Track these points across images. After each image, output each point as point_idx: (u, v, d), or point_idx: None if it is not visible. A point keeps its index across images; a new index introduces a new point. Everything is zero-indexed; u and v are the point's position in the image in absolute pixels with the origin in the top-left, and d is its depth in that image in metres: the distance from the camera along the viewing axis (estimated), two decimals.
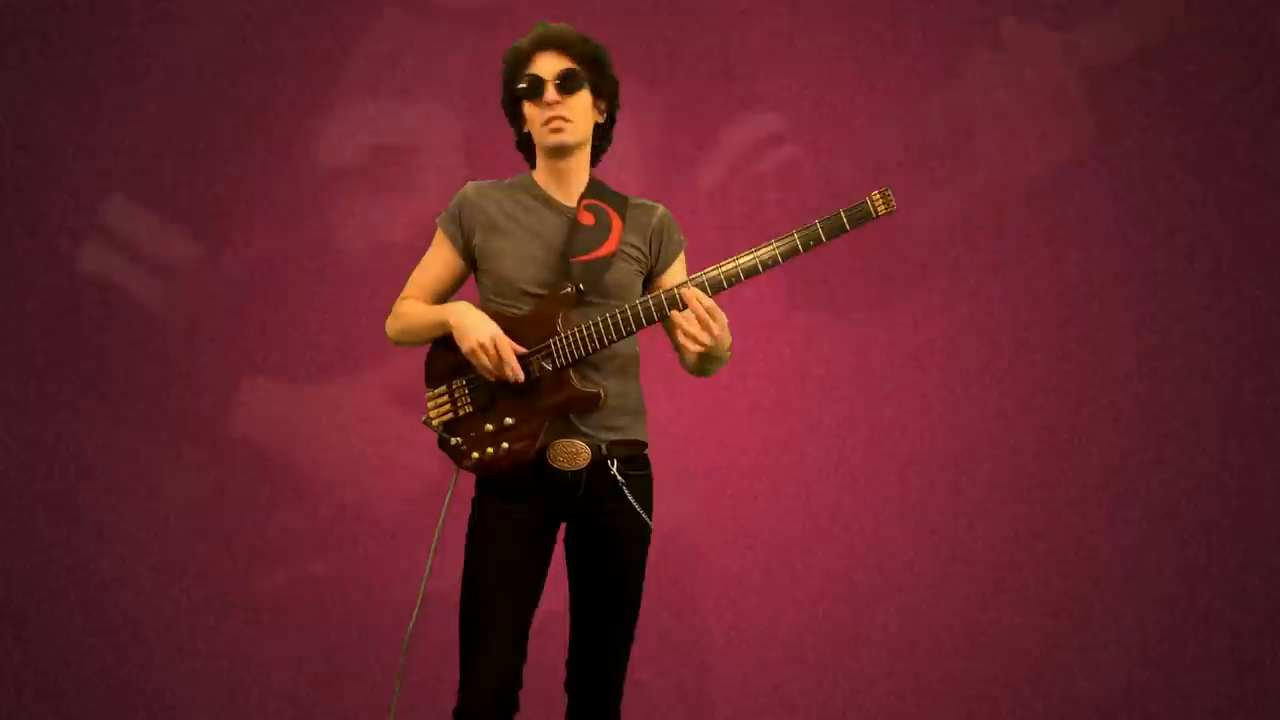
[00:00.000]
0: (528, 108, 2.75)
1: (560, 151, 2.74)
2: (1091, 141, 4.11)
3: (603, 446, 2.70)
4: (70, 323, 4.07)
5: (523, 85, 2.73)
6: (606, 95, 2.79)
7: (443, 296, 2.82)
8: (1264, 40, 4.07)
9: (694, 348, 2.60)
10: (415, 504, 4.03)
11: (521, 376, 2.65)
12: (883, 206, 2.57)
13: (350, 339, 4.09)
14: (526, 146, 2.83)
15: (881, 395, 4.15)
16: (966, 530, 4.14)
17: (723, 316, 2.58)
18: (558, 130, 2.72)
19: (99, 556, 4.07)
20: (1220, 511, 4.09)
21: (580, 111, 2.73)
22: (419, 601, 2.84)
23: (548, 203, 2.77)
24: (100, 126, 4.08)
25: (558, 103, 2.70)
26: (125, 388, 4.08)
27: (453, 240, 2.79)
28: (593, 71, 2.75)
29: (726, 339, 2.62)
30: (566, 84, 2.71)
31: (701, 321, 2.56)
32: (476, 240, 2.76)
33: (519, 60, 2.76)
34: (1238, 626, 4.08)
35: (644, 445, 2.78)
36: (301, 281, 4.12)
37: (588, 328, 2.64)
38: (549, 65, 2.72)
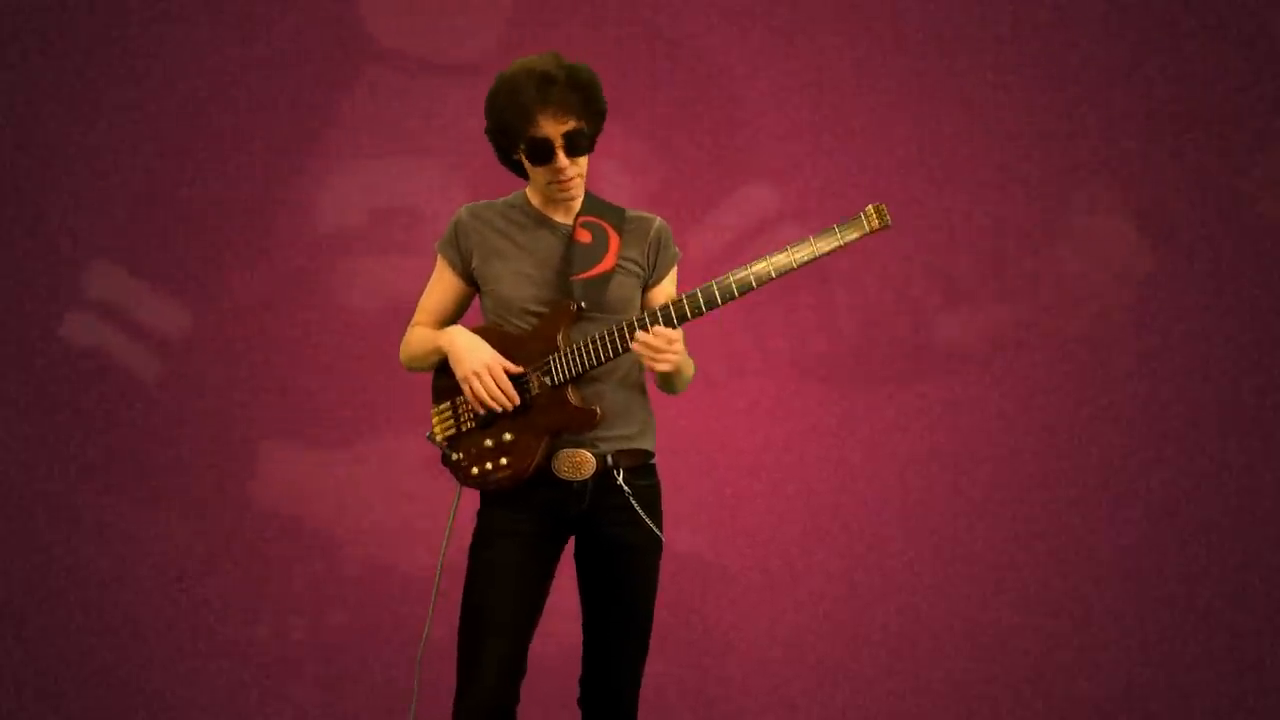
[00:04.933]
0: (531, 166, 2.68)
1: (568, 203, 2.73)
2: (1092, 142, 4.11)
3: (608, 456, 2.68)
4: (70, 323, 4.07)
5: (528, 146, 2.63)
6: (601, 128, 2.71)
7: (451, 319, 2.81)
8: (1264, 40, 4.07)
9: (657, 369, 2.60)
10: (417, 504, 4.02)
11: (515, 402, 2.65)
12: (876, 221, 2.52)
13: (353, 336, 4.09)
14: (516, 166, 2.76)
15: (881, 395, 4.15)
16: (966, 530, 4.13)
17: (680, 343, 2.57)
18: (567, 191, 2.68)
19: (99, 556, 4.06)
20: (1220, 511, 4.09)
21: (586, 164, 2.69)
22: (430, 617, 2.81)
23: (543, 222, 2.74)
24: (100, 126, 4.07)
25: (569, 166, 2.64)
26: (125, 388, 4.07)
27: (452, 265, 2.77)
28: (595, 123, 2.67)
29: (689, 367, 2.72)
30: (575, 147, 2.64)
31: (656, 348, 2.56)
32: (475, 263, 2.74)
33: (519, 113, 2.61)
34: (1238, 626, 4.08)
35: (650, 455, 2.76)
36: (303, 280, 4.12)
37: (585, 344, 2.63)
38: (554, 126, 2.61)
